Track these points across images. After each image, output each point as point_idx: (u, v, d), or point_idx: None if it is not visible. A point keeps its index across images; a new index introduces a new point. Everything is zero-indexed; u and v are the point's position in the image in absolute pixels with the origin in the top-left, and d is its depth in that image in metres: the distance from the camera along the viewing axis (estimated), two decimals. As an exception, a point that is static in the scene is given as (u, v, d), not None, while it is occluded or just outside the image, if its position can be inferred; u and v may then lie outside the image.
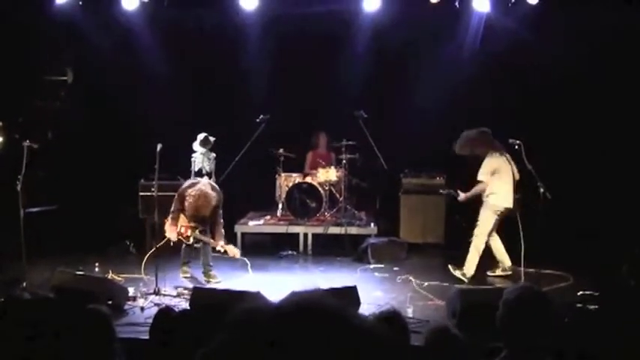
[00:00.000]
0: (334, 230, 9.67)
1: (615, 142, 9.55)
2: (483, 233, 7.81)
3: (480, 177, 7.72)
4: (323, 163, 10.33)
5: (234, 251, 7.62)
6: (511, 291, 2.81)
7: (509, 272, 7.91)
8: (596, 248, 8.20)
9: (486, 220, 7.79)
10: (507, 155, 7.63)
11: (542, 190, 6.98)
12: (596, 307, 6.37)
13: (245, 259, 8.03)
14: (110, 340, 3.57)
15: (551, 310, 2.80)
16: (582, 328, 5.63)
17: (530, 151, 7.18)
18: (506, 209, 7.62)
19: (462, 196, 7.93)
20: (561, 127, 9.81)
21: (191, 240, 7.58)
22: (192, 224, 7.58)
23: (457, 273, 7.85)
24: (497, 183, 7.64)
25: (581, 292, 6.90)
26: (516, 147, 7.19)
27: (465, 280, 7.73)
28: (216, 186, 7.85)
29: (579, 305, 6.50)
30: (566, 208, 8.16)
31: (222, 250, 7.62)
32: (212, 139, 9.41)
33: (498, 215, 7.74)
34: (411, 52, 10.31)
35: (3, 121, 10.00)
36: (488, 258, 8.02)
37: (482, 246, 7.83)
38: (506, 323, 2.74)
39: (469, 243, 7.87)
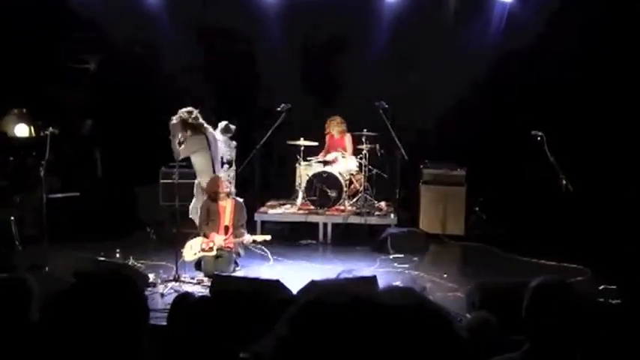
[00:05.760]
0: (354, 220, 9.65)
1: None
2: None
3: None
4: (342, 150, 10.19)
5: (263, 237, 7.76)
6: (536, 281, 2.78)
7: None
8: (616, 242, 8.10)
9: None
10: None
11: (564, 182, 6.91)
12: (618, 301, 6.31)
13: (264, 247, 8.06)
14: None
15: (575, 302, 2.76)
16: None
17: (552, 142, 7.10)
18: None
19: None
20: (585, 118, 9.66)
21: (215, 251, 7.57)
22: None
23: None
24: None
25: (603, 287, 6.82)
26: (539, 139, 7.12)
27: None
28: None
29: (601, 300, 6.45)
30: (589, 200, 8.06)
31: (252, 240, 7.75)
32: (233, 127, 9.41)
33: None
34: (433, 41, 10.19)
35: (27, 108, 10.11)
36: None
37: None
38: (530, 313, 2.71)
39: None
